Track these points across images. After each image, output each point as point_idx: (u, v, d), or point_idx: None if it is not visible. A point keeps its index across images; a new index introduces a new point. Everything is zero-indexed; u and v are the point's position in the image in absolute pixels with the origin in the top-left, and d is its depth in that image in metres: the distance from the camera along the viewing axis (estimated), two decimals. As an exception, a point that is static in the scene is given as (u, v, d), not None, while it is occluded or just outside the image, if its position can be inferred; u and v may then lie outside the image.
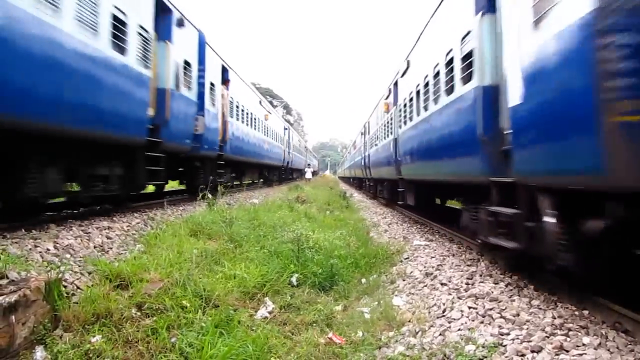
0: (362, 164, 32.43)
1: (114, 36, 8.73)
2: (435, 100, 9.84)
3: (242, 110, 22.71)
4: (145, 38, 10.28)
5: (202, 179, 15.16)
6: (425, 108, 10.99)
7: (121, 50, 9.02)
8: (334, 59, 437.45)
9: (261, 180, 30.97)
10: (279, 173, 40.63)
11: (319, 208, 17.87)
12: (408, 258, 8.79)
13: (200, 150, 15.03)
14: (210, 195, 11.20)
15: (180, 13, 12.84)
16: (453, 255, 8.62)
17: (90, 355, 4.20)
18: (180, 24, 12.80)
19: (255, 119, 26.32)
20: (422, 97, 11.48)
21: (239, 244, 8.31)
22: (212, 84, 16.49)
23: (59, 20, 6.95)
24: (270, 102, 46.95)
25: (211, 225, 9.16)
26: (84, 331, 4.53)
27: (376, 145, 23.65)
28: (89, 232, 7.85)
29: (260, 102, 29.48)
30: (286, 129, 43.99)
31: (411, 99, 13.03)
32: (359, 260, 8.57)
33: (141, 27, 10.04)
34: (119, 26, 8.88)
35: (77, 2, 7.44)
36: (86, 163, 8.95)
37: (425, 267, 7.75)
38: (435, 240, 10.68)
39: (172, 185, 17.19)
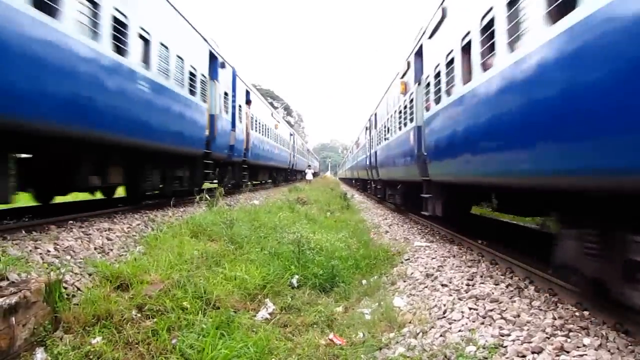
0: (367, 163, 28.33)
1: (190, 85, 13.58)
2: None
3: (259, 123, 27.64)
4: (204, 81, 15.24)
5: (233, 179, 21.47)
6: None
7: (193, 93, 13.88)
8: (335, 60, 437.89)
9: (269, 180, 35.97)
10: (286, 174, 45.75)
11: (320, 209, 17.88)
12: (409, 259, 8.78)
13: (232, 157, 19.80)
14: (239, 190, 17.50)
15: (223, 58, 17.91)
16: (454, 256, 8.62)
17: (91, 356, 4.20)
18: (222, 66, 17.76)
19: (268, 128, 31.25)
20: (475, 55, 7.33)
21: (240, 245, 8.32)
22: (240, 106, 21.49)
23: (168, 82, 11.69)
24: (271, 104, 47.75)
25: (212, 227, 9.16)
26: (85, 333, 4.54)
27: (387, 139, 19.21)
28: (90, 234, 7.85)
29: (272, 114, 34.61)
30: (291, 134, 48.75)
31: (450, 64, 8.81)
32: (359, 262, 8.56)
33: (202, 75, 15.03)
34: (193, 78, 13.82)
35: (177, 71, 12.38)
36: (172, 168, 13.61)
37: (425, 268, 7.74)
38: (436, 241, 10.67)
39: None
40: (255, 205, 15.69)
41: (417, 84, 12.58)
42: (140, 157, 11.32)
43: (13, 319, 4.09)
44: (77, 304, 4.94)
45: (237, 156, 20.86)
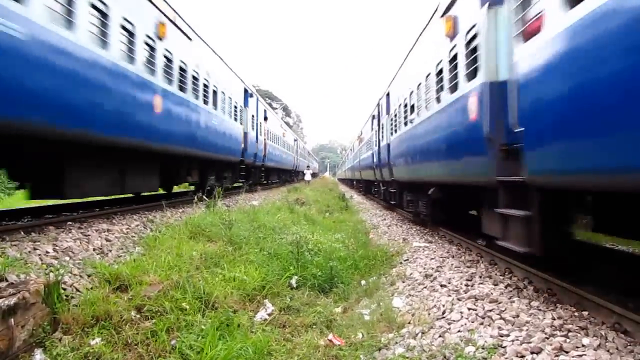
0: (374, 161, 23.08)
1: (235, 114, 20.63)
2: None
3: (272, 133, 34.25)
4: (240, 109, 22.14)
5: (254, 179, 28.06)
6: None
7: (236, 119, 20.85)
8: (333, 61, 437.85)
9: (277, 180, 42.14)
10: (290, 174, 52.63)
11: (319, 210, 17.89)
12: (408, 260, 8.78)
13: (256, 162, 26.63)
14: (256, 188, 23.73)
15: (251, 90, 25.68)
16: (453, 256, 8.62)
17: (90, 358, 4.21)
18: (251, 95, 24.85)
19: (277, 137, 37.74)
20: None
21: (239, 246, 8.31)
22: (260, 123, 28.40)
23: (224, 115, 18.68)
24: (270, 104, 49.32)
25: (211, 228, 9.16)
26: (83, 334, 4.54)
27: (410, 122, 13.14)
28: (88, 235, 7.85)
29: (281, 125, 41.90)
30: (295, 139, 55.34)
31: None
32: (358, 262, 8.57)
33: (240, 104, 22.06)
34: (235, 108, 20.76)
35: (228, 106, 19.36)
36: (221, 170, 20.02)
37: (424, 268, 7.74)
38: (434, 242, 10.67)
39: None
40: (254, 206, 15.69)
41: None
42: (207, 164, 17.44)
43: (12, 320, 4.09)
44: (76, 305, 4.95)
45: (259, 161, 27.55)
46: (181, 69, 13.08)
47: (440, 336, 4.70)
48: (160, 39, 11.35)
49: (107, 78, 8.75)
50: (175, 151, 13.12)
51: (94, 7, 8.29)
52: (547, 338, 4.17)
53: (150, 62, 10.85)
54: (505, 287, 6.11)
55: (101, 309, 4.87)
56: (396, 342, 4.86)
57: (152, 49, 10.91)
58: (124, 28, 9.45)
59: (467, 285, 6.33)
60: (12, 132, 6.68)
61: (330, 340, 5.02)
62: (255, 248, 8.24)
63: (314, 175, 65.60)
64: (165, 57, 11.87)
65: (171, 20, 12.31)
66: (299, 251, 7.74)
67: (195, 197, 11.72)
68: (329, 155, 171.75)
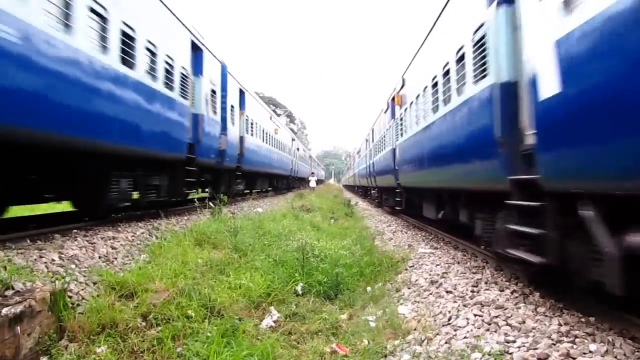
0: (379, 166, 22.94)
1: (175, 82, 12.27)
2: None
3: (256, 126, 25.64)
4: (185, 76, 13.26)
5: (224, 188, 18.90)
6: None
7: (179, 92, 12.66)
8: (338, 68, 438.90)
9: (269, 188, 34.47)
10: (287, 182, 44.41)
11: (324, 216, 17.88)
12: (413, 266, 8.76)
13: (223, 164, 17.85)
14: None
15: (209, 50, 15.74)
16: (458, 262, 8.59)
17: (96, 365, 4.20)
18: (208, 59, 15.50)
19: (266, 133, 29.25)
20: None
21: (244, 253, 8.32)
22: (232, 106, 19.54)
23: (148, 79, 10.45)
24: (274, 111, 47.73)
25: (216, 235, 9.18)
26: (89, 341, 4.55)
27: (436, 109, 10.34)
28: (94, 243, 7.87)
29: (270, 118, 32.47)
30: (293, 139, 47.33)
31: None
32: (364, 269, 8.56)
33: (185, 70, 13.31)
34: (176, 76, 12.36)
35: (156, 59, 10.92)
36: (146, 174, 12.11)
37: (430, 275, 7.72)
38: (440, 248, 10.65)
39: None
40: (259, 213, 15.71)
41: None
42: (111, 164, 9.91)
43: (18, 328, 4.10)
44: (82, 313, 4.96)
45: (229, 162, 19.08)
46: None
47: (446, 342, 4.68)
48: None
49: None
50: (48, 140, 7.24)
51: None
52: (554, 344, 4.15)
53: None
54: (511, 293, 6.09)
55: (107, 317, 4.88)
56: (402, 349, 4.84)
57: None
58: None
59: (472, 291, 6.30)
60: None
61: (335, 350, 5.01)
62: (260, 255, 8.25)
63: (319, 182, 65.45)
64: None
65: None
66: (305, 258, 7.73)
67: (197, 202, 10.81)
68: (333, 161, 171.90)
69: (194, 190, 15.36)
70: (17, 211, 15.64)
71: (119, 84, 9.03)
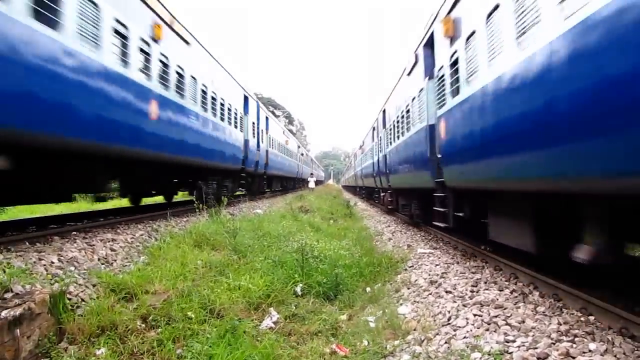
0: (375, 169, 24.31)
1: (235, 121, 19.79)
2: None
3: (275, 142, 33.64)
4: (241, 116, 21.49)
5: (256, 187, 27.39)
6: None
7: (237, 126, 20.22)
8: (336, 69, 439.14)
9: (280, 188, 42.26)
10: (293, 182, 52.56)
11: (323, 217, 17.88)
12: (412, 266, 8.77)
13: (257, 170, 25.82)
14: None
15: (251, 96, 24.75)
16: (457, 262, 8.60)
17: (96, 367, 4.20)
18: (251, 102, 23.83)
19: (280, 144, 37.08)
20: None
21: (243, 255, 8.32)
22: (262, 130, 27.88)
23: (224, 122, 17.75)
24: (273, 112, 49.01)
25: (215, 236, 9.17)
26: (89, 344, 4.55)
27: (397, 139, 14.49)
28: (93, 245, 7.86)
29: (283, 132, 41.00)
30: (299, 147, 55.28)
31: None
32: (363, 269, 8.55)
33: (241, 113, 21.53)
34: (236, 117, 20.15)
35: (225, 110, 17.92)
36: (222, 178, 19.08)
37: (429, 275, 7.73)
38: (439, 248, 10.65)
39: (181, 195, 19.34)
40: (259, 214, 15.71)
41: None
42: (208, 173, 16.73)
43: (18, 330, 4.10)
44: (82, 315, 4.95)
45: (260, 169, 26.74)
46: (179, 74, 12.74)
47: (446, 342, 4.68)
48: (155, 41, 10.88)
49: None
50: (182, 161, 13.15)
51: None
52: (554, 343, 4.15)
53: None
54: (511, 292, 6.10)
55: (106, 319, 4.88)
56: (402, 349, 4.84)
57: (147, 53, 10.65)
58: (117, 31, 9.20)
59: (472, 291, 6.31)
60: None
61: (335, 351, 5.01)
62: (260, 256, 8.24)
63: (318, 182, 65.56)
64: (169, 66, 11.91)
65: (168, 24, 11.85)
66: (304, 259, 7.73)
67: (199, 205, 11.59)
68: (332, 162, 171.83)
69: (252, 189, 25.74)
70: (15, 213, 15.64)
71: (219, 129, 16.93)
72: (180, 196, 19.15)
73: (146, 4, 10.46)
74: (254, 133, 24.59)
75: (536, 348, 4.07)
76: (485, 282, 6.78)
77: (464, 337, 4.68)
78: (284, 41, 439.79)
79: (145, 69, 10.30)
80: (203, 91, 14.75)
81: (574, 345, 4.09)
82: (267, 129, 30.08)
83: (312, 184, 47.28)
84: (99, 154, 8.88)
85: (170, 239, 9.07)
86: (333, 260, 8.20)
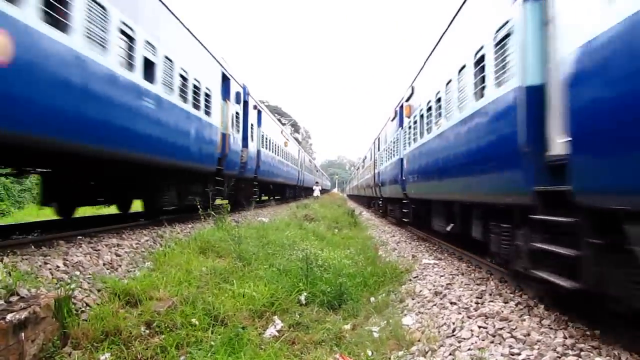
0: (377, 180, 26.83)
1: (206, 106, 14.65)
2: None
3: (269, 141, 28.79)
4: (216, 101, 15.84)
5: (244, 195, 22.46)
6: None
7: (208, 113, 14.97)
8: (343, 78, 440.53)
9: (276, 197, 36.51)
10: (294, 191, 47.51)
11: (328, 226, 17.85)
12: (417, 277, 8.74)
13: (244, 174, 20.92)
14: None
15: (234, 79, 18.75)
16: (462, 274, 8.57)
17: (99, 373, 4.20)
18: (230, 83, 18.05)
19: (277, 145, 32.31)
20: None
21: (248, 262, 8.32)
22: (251, 125, 22.62)
23: (184, 104, 12.54)
24: (279, 120, 48.21)
25: (220, 243, 9.18)
26: (93, 349, 4.55)
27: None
28: (98, 250, 7.88)
29: (281, 132, 35.77)
30: (300, 151, 50.05)
31: None
32: (367, 279, 8.52)
33: (215, 95, 15.92)
34: (208, 101, 14.86)
35: (186, 88, 12.66)
36: (186, 185, 14.81)
37: (434, 285, 7.70)
38: (444, 259, 10.62)
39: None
40: (263, 222, 15.71)
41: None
42: (159, 176, 12.74)
43: (22, 334, 4.11)
44: (86, 320, 4.96)
45: (248, 174, 21.92)
46: None
47: (450, 354, 4.66)
48: None
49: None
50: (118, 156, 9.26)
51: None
52: (559, 357, 4.13)
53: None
54: (516, 305, 6.06)
55: (111, 324, 4.88)
56: (406, 360, 4.82)
57: None
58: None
59: (477, 302, 6.28)
60: None
61: None
62: (264, 264, 8.24)
63: (323, 191, 65.65)
64: None
65: None
66: (308, 267, 7.72)
67: (201, 211, 11.01)
68: (337, 171, 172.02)
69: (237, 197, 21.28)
70: (21, 217, 15.69)
71: (176, 113, 11.99)
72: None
73: None
74: (236, 125, 19.13)
75: (542, 361, 4.05)
76: (490, 294, 6.75)
77: (469, 349, 4.66)
78: (292, 49, 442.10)
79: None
80: (147, 47, 10.01)
81: (580, 359, 4.06)
82: (258, 123, 24.93)
83: (317, 192, 47.52)
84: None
85: (175, 245, 9.09)
86: (337, 270, 8.18)
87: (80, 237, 8.69)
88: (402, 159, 16.52)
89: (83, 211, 13.26)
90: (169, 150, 11.54)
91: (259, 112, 25.27)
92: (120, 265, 7.49)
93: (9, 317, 4.02)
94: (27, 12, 6.06)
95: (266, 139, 27.42)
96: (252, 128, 22.49)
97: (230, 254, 8.66)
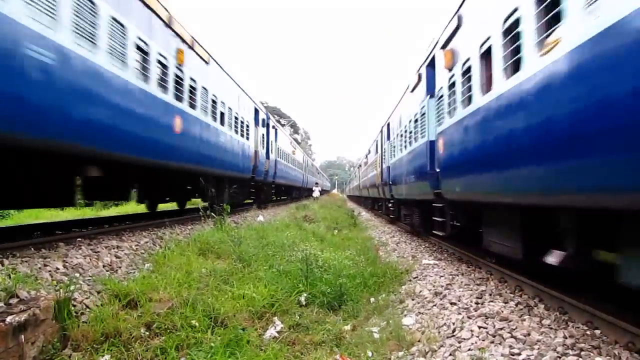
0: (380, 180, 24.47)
1: (247, 133, 21.32)
2: None
3: (282, 151, 34.70)
4: (251, 128, 22.47)
5: (265, 196, 28.52)
6: None
7: (247, 137, 21.48)
8: (342, 79, 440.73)
9: (283, 197, 42.46)
10: (299, 191, 53.11)
11: (327, 227, 17.86)
12: (417, 277, 8.74)
13: (267, 179, 27.20)
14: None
15: (262, 110, 25.84)
16: (462, 274, 8.57)
17: (99, 375, 4.19)
18: (261, 114, 25.05)
19: (287, 154, 38.09)
20: None
21: (248, 263, 8.31)
22: (271, 141, 28.81)
23: (237, 135, 19.34)
24: (278, 121, 48.84)
25: (219, 245, 9.17)
26: (93, 351, 4.54)
27: (399, 152, 16.73)
28: (98, 251, 7.88)
29: (290, 143, 42.01)
30: (304, 157, 55.67)
31: None
32: (367, 280, 8.52)
33: (252, 124, 22.64)
34: (248, 128, 21.60)
35: (238, 123, 19.47)
36: (233, 187, 19.07)
37: (434, 286, 7.70)
38: (444, 259, 10.62)
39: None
40: (262, 223, 15.71)
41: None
42: (221, 181, 17.33)
43: (22, 336, 4.10)
44: (86, 322, 4.96)
45: (269, 179, 27.94)
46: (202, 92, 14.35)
47: (450, 355, 4.66)
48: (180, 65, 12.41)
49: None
50: (199, 170, 14.11)
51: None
52: (560, 357, 4.13)
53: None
54: (516, 305, 6.07)
55: (110, 326, 4.87)
56: (406, 361, 4.82)
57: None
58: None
59: (477, 303, 6.28)
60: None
61: (339, 360, 4.99)
62: (264, 265, 8.24)
63: (323, 192, 65.79)
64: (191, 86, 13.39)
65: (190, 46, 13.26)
66: (308, 268, 7.72)
67: (205, 212, 11.60)
68: (337, 172, 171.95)
69: (261, 197, 27.24)
70: (21, 219, 15.69)
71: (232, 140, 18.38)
72: (192, 203, 19.32)
73: (174, 31, 11.89)
74: (263, 144, 25.66)
75: (542, 361, 4.05)
76: (490, 294, 6.75)
77: (469, 350, 4.66)
78: (291, 50, 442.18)
79: (178, 91, 12.09)
80: (214, 103, 15.82)
81: (580, 359, 4.06)
82: (275, 139, 31.01)
83: (316, 193, 47.55)
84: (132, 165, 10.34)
85: (174, 246, 9.08)
86: (337, 270, 8.18)
87: (80, 239, 8.69)
88: (432, 142, 11.31)
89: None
90: (227, 164, 17.61)
91: (276, 130, 31.79)
92: (120, 267, 7.48)
93: (8, 319, 4.02)
94: (184, 104, 12.61)
95: (280, 150, 33.38)
96: (271, 144, 28.72)
97: (230, 255, 8.66)
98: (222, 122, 16.59)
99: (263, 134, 25.80)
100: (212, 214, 11.57)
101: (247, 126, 21.17)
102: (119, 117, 8.83)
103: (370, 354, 5.13)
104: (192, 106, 13.26)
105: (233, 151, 18.44)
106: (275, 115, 72.12)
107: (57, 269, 6.41)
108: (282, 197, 41.75)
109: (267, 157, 27.00)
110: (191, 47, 13.13)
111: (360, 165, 49.97)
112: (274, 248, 10.03)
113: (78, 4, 7.31)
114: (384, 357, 5.01)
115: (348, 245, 12.65)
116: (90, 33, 7.71)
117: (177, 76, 12.00)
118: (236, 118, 19.00)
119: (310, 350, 5.26)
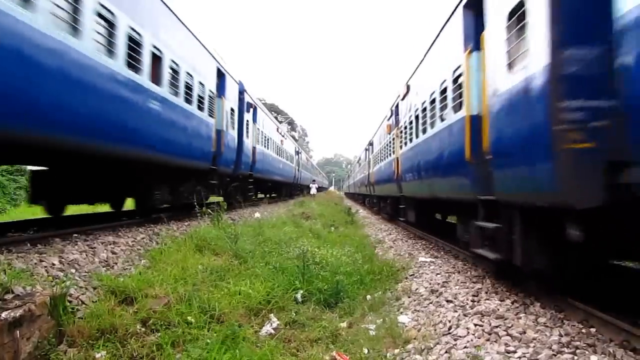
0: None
1: (201, 102, 14.06)
2: None
3: (265, 137, 27.96)
4: (211, 97, 15.43)
5: (240, 193, 21.17)
6: None
7: (202, 109, 14.25)
8: (340, 76, 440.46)
9: (271, 195, 36.11)
10: (291, 188, 46.55)
11: (324, 224, 17.86)
12: (413, 275, 8.75)
13: (239, 171, 20.05)
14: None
15: (230, 75, 18.19)
16: (459, 272, 8.57)
17: (95, 371, 4.19)
18: (226, 79, 17.48)
19: (273, 143, 31.47)
20: None
21: (244, 260, 8.31)
22: (247, 121, 21.78)
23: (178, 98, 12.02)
24: (275, 118, 47.91)
25: (216, 241, 9.16)
26: (89, 347, 4.53)
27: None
28: (94, 247, 7.86)
29: (277, 129, 34.77)
30: (298, 151, 49.55)
31: None
32: (364, 277, 8.53)
33: (212, 92, 15.50)
34: (202, 97, 14.22)
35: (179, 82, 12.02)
36: (178, 182, 14.22)
37: (430, 283, 7.71)
38: (440, 257, 10.62)
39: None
40: (259, 220, 15.70)
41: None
42: (149, 172, 12.06)
43: (17, 332, 4.09)
44: (82, 318, 4.94)
45: (243, 170, 21.15)
46: None
47: (446, 352, 4.66)
48: None
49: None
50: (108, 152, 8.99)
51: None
52: (555, 355, 4.14)
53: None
54: (512, 303, 6.07)
55: (106, 322, 4.86)
56: (402, 358, 4.82)
57: None
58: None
59: (473, 300, 6.29)
60: None
61: (334, 358, 4.99)
62: (260, 262, 8.24)
63: (320, 189, 65.68)
64: None
65: None
66: (305, 265, 7.72)
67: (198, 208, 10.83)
68: (334, 169, 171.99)
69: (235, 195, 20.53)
70: (18, 214, 15.64)
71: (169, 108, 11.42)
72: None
73: None
74: (231, 122, 18.43)
75: (537, 359, 4.06)
76: (487, 292, 6.76)
77: (465, 347, 4.66)
78: (288, 47, 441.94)
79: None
80: (133, 40, 9.20)
81: (575, 357, 4.07)
82: (254, 120, 24.13)
83: (313, 190, 47.58)
84: None
85: (171, 243, 9.06)
86: (334, 268, 8.19)
87: (76, 234, 8.66)
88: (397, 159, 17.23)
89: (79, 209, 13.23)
90: (162, 146, 11.01)
91: (255, 109, 24.31)
92: (116, 263, 7.47)
93: (4, 314, 4.01)
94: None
95: (262, 135, 26.80)
96: (247, 125, 21.73)
97: (226, 252, 8.65)
98: (149, 75, 10.02)
99: (232, 109, 18.73)
100: (209, 211, 11.47)
101: (202, 91, 14.17)
102: None
103: (366, 351, 5.14)
104: (74, 32, 7.05)
105: (173, 124, 11.72)
106: (273, 112, 71.91)
107: (53, 264, 6.39)
108: (272, 195, 36.24)
109: (240, 142, 19.96)
110: None
111: (355, 166, 51.38)
112: (271, 245, 10.03)
113: None
114: (380, 354, 5.02)
115: (345, 243, 12.65)
116: None
117: None
118: (175, 70, 11.71)
119: (306, 347, 5.27)
